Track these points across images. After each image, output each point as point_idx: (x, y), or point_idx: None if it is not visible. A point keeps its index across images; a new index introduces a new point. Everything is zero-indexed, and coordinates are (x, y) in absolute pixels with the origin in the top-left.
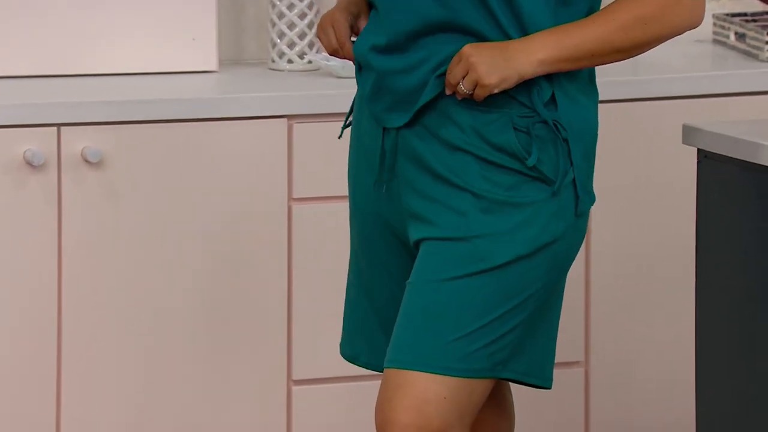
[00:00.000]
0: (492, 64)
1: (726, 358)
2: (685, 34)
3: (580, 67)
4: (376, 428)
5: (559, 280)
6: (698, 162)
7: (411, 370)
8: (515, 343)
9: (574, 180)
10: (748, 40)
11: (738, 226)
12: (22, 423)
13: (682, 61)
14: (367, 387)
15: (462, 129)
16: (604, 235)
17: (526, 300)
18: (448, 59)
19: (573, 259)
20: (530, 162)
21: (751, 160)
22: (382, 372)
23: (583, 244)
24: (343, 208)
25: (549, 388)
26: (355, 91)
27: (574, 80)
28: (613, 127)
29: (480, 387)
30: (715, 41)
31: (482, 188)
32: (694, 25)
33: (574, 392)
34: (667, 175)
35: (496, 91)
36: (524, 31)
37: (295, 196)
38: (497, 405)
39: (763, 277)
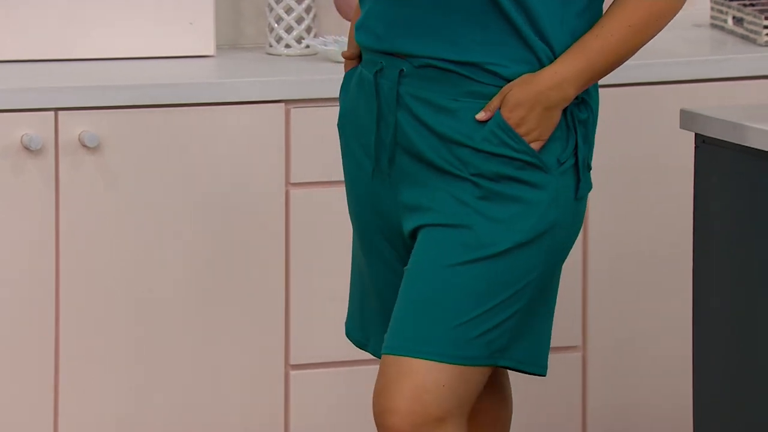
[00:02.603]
0: (538, 122)
1: (723, 342)
2: (683, 18)
3: (605, 75)
4: (374, 416)
5: (557, 267)
6: (696, 147)
7: (410, 357)
8: (513, 330)
9: (576, 164)
10: (746, 25)
11: (735, 211)
12: (19, 401)
13: (679, 45)
14: (365, 371)
15: (459, 121)
16: (602, 220)
17: (525, 287)
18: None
19: (571, 245)
20: (547, 159)
21: (749, 145)
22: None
23: (581, 229)
24: (341, 193)
25: (544, 375)
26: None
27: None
28: (610, 112)
29: (478, 375)
30: (713, 26)
31: (480, 178)
32: (679, 11)
33: (572, 377)
34: (664, 160)
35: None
36: (532, 22)
37: (292, 181)
38: (495, 393)
39: (761, 262)
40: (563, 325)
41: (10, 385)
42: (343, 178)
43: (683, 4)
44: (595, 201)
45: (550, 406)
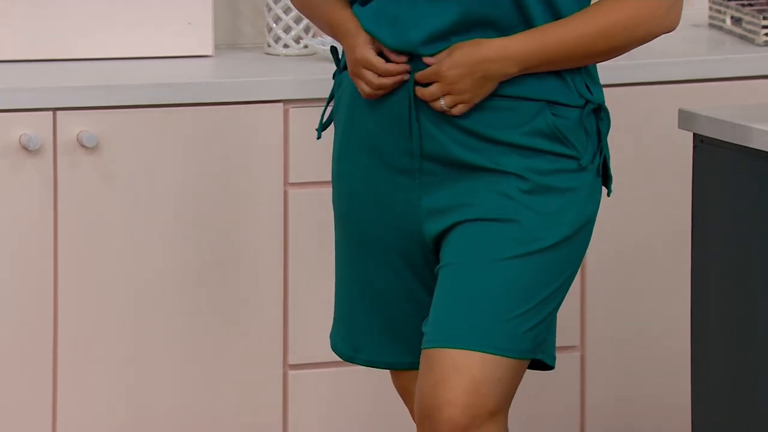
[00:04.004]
0: (472, 88)
1: (722, 342)
2: (681, 18)
3: (559, 68)
4: (425, 410)
5: (581, 259)
6: (694, 147)
7: (465, 349)
8: (549, 324)
9: (605, 161)
10: (744, 25)
11: (734, 211)
12: (17, 400)
13: (678, 45)
14: (364, 372)
15: (498, 119)
16: (601, 219)
17: (566, 280)
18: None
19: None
20: (583, 155)
21: (747, 145)
22: (384, 368)
23: None
24: None
25: (554, 367)
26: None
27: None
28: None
29: (523, 368)
30: (711, 25)
31: (526, 172)
32: (671, 29)
33: (570, 377)
34: (663, 160)
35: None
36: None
37: (291, 181)
38: None
39: (759, 261)
40: (562, 325)
41: (8, 385)
42: None
43: (659, 27)
44: None
45: (549, 405)
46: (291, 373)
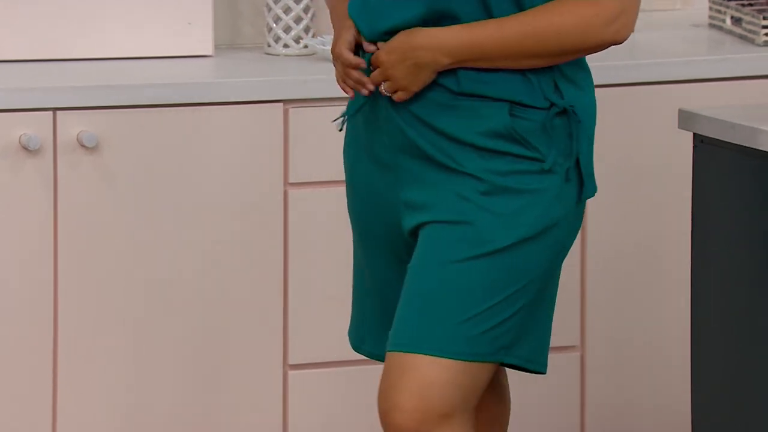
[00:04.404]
0: (405, 74)
1: (721, 342)
2: (681, 18)
3: (494, 66)
4: (380, 414)
5: (558, 265)
6: (694, 147)
7: (414, 353)
8: (518, 327)
9: (578, 166)
10: (744, 25)
11: (734, 211)
12: (18, 400)
13: (678, 45)
14: (363, 371)
15: (459, 118)
16: (600, 220)
17: (529, 284)
18: None
19: (571, 245)
20: (546, 157)
21: (747, 145)
22: (383, 361)
23: (580, 229)
24: (339, 193)
25: (545, 373)
26: None
27: (570, 64)
28: (608, 112)
29: (483, 371)
30: (711, 25)
31: (484, 173)
32: (617, 42)
33: (570, 376)
34: (663, 160)
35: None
36: None
37: (291, 181)
38: (493, 391)
39: (759, 262)
40: (562, 325)
41: (8, 384)
42: (340, 178)
43: (599, 38)
44: (593, 200)
45: (549, 405)
46: (291, 373)
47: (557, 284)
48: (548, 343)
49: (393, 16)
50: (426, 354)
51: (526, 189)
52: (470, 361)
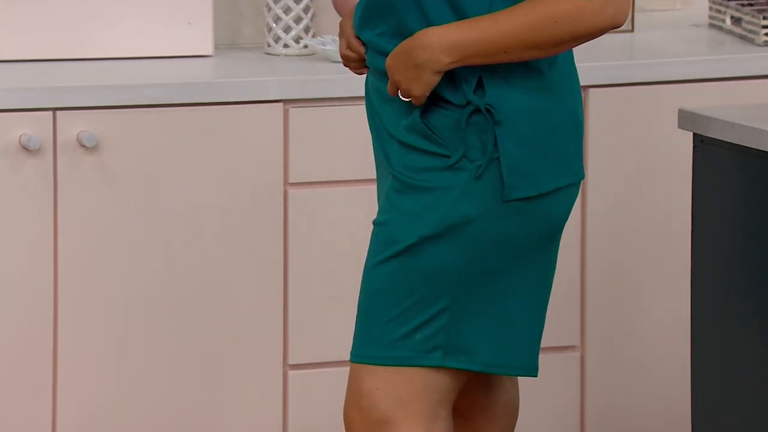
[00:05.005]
0: (408, 78)
1: (721, 342)
2: (681, 18)
3: (496, 62)
4: None
5: (499, 263)
6: (694, 146)
7: (352, 362)
8: (450, 329)
9: (499, 165)
10: (744, 25)
11: (733, 211)
12: (18, 400)
13: (678, 45)
14: None
15: (393, 112)
16: (600, 219)
17: (445, 283)
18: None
19: (515, 244)
20: (453, 153)
21: (747, 145)
22: None
23: (579, 229)
24: (340, 193)
25: (534, 376)
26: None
27: (514, 64)
28: (608, 111)
29: (420, 375)
30: (711, 25)
31: (399, 170)
32: (616, 25)
33: (570, 376)
34: (663, 160)
35: (428, 93)
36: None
37: (291, 181)
38: (489, 390)
39: (759, 261)
40: (561, 325)
41: (8, 384)
42: (340, 178)
43: (596, 22)
44: (593, 200)
45: (548, 405)
46: (291, 373)
47: (535, 285)
48: (527, 346)
49: (357, 10)
50: (356, 362)
51: (433, 186)
52: (396, 365)
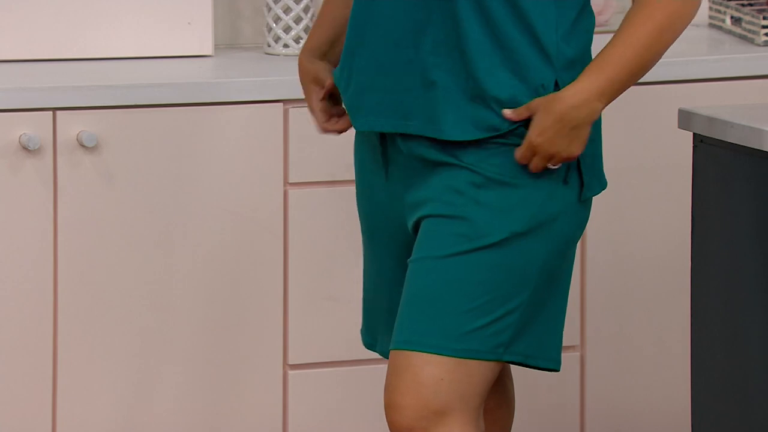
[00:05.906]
0: (567, 143)
1: (721, 343)
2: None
3: (638, 81)
4: (385, 413)
5: (562, 261)
6: (694, 147)
7: (409, 350)
8: (517, 324)
9: (578, 164)
10: (743, 25)
11: (734, 211)
12: (17, 400)
13: (677, 45)
14: (363, 371)
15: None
16: (600, 219)
17: (527, 280)
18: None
19: (576, 242)
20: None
21: (747, 145)
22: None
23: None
24: (339, 193)
25: (557, 370)
26: None
27: (572, 67)
28: (608, 112)
29: (483, 369)
30: (711, 25)
31: (479, 166)
32: (696, 11)
33: (570, 376)
34: (662, 160)
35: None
36: (525, 23)
37: (290, 181)
38: (496, 393)
39: (759, 262)
40: None
41: (8, 384)
42: (340, 178)
43: (685, 22)
44: (593, 200)
45: (549, 405)
46: (291, 373)
47: (568, 280)
48: (559, 339)
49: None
50: (420, 351)
51: (522, 183)
52: (464, 358)
